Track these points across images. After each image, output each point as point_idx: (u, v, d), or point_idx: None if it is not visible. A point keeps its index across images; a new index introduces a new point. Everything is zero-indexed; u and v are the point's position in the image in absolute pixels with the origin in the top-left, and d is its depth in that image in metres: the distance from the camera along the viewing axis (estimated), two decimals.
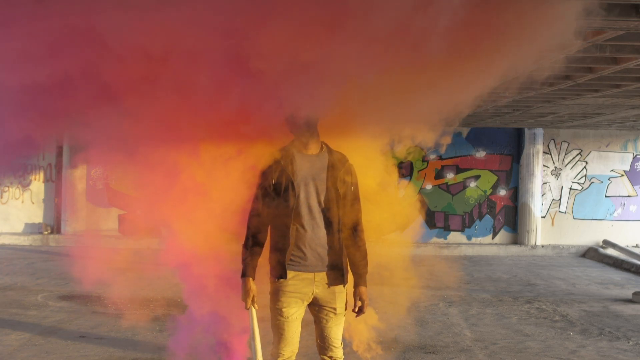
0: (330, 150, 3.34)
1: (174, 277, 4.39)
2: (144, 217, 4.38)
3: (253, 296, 3.27)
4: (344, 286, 3.31)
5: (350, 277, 3.38)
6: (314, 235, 3.21)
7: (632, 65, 5.85)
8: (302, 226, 3.20)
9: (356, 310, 3.32)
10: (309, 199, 3.21)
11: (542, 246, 13.13)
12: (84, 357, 5.29)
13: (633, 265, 11.19)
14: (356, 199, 3.34)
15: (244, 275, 3.28)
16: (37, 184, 13.66)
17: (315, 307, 3.32)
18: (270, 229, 3.33)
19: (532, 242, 13.08)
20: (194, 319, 4.34)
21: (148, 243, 8.35)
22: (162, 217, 4.00)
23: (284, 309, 3.24)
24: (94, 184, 13.30)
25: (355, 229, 3.34)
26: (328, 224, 3.22)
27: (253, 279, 3.29)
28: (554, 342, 6.11)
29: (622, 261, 11.64)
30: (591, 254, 12.87)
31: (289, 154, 3.26)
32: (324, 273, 3.25)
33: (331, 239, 3.23)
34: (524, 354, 5.69)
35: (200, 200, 3.78)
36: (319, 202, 3.22)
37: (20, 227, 13.61)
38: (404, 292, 6.11)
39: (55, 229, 13.44)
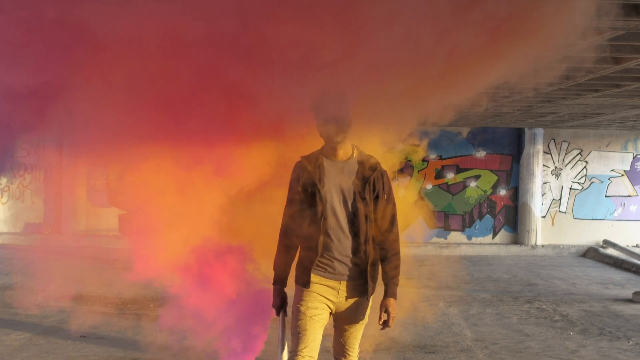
0: (361, 155, 3.22)
1: (174, 277, 4.40)
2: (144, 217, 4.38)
3: (283, 304, 3.28)
4: (368, 298, 3.22)
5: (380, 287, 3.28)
6: (341, 244, 3.13)
7: (632, 65, 5.85)
8: (329, 235, 3.12)
9: (381, 323, 3.17)
10: (336, 208, 3.12)
11: (542, 246, 13.13)
12: (84, 357, 5.29)
13: (633, 265, 11.19)
14: (388, 206, 3.21)
15: (274, 282, 3.29)
16: (38, 183, 13.65)
17: (337, 315, 3.24)
18: (301, 236, 3.27)
19: (532, 242, 13.08)
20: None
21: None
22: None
23: (307, 309, 3.14)
24: (94, 184, 13.30)
25: (387, 238, 3.21)
26: (355, 233, 3.13)
27: (284, 287, 3.29)
28: (554, 342, 6.11)
29: (622, 261, 11.64)
30: (591, 253, 12.87)
31: (318, 161, 3.17)
32: (349, 282, 3.16)
33: (358, 249, 3.14)
34: (524, 353, 5.69)
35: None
36: (347, 211, 3.13)
37: (20, 227, 13.61)
38: (404, 292, 6.11)
39: (56, 229, 13.43)
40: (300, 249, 3.26)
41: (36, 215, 13.63)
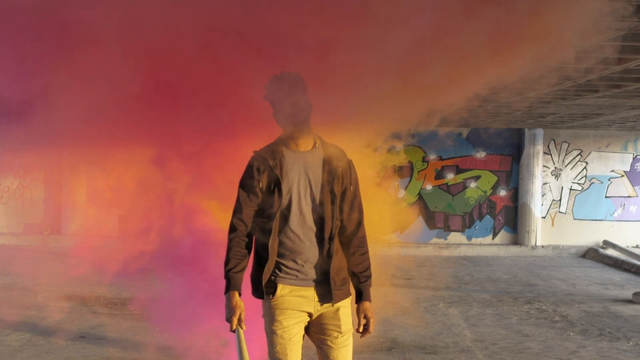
0: (324, 145, 2.87)
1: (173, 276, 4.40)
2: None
3: (240, 314, 2.72)
4: (333, 303, 2.84)
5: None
6: (311, 244, 2.78)
7: (632, 66, 5.85)
8: (296, 234, 2.77)
9: (360, 330, 2.82)
10: (301, 204, 2.77)
11: (542, 246, 13.13)
12: (84, 357, 5.29)
13: (633, 265, 11.19)
14: (356, 199, 2.88)
15: (227, 290, 2.77)
16: (37, 183, 13.65)
17: (317, 329, 2.86)
18: (255, 240, 2.88)
19: (532, 243, 13.08)
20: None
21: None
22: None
23: (284, 331, 2.77)
24: (94, 184, 13.29)
25: (356, 235, 2.88)
26: (324, 230, 2.78)
27: (239, 294, 2.77)
28: (554, 343, 6.11)
29: (622, 262, 11.63)
30: (591, 254, 12.86)
31: (277, 152, 2.81)
32: (323, 287, 2.81)
33: (329, 248, 2.79)
34: (524, 354, 5.69)
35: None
36: (313, 207, 2.78)
37: (20, 227, 13.60)
38: (404, 292, 6.12)
39: (56, 229, 13.42)
40: (257, 254, 2.87)
41: (36, 215, 13.62)
